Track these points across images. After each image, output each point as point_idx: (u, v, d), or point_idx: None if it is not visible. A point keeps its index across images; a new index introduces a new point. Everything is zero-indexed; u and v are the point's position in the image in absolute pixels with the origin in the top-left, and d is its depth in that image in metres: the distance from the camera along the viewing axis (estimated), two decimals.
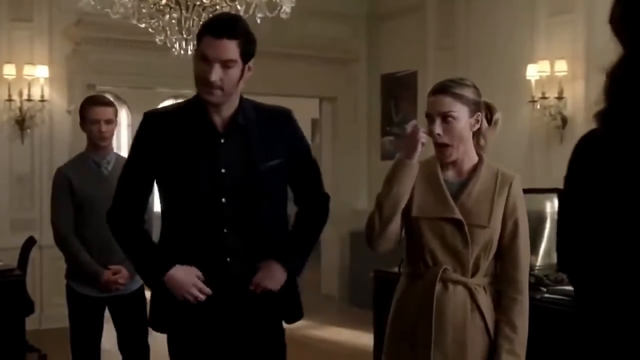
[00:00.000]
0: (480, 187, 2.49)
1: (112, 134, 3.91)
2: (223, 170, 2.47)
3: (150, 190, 2.60)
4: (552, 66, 6.22)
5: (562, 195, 1.59)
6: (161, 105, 12.40)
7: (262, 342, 2.58)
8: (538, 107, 6.33)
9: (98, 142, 3.87)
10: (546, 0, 6.42)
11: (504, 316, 2.47)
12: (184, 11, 3.90)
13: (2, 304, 4.11)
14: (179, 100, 10.28)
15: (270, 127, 2.55)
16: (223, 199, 2.46)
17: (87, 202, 3.81)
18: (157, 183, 2.56)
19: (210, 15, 4.09)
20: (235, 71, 2.41)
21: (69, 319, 3.90)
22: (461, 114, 2.46)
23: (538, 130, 6.46)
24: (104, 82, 8.03)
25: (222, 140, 2.48)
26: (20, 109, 6.71)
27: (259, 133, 2.51)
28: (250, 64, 2.45)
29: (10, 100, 6.69)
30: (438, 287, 2.43)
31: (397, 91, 8.25)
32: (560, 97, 6.21)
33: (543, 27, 6.43)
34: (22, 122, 6.70)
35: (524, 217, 2.53)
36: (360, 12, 8.48)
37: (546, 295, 3.87)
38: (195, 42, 4.09)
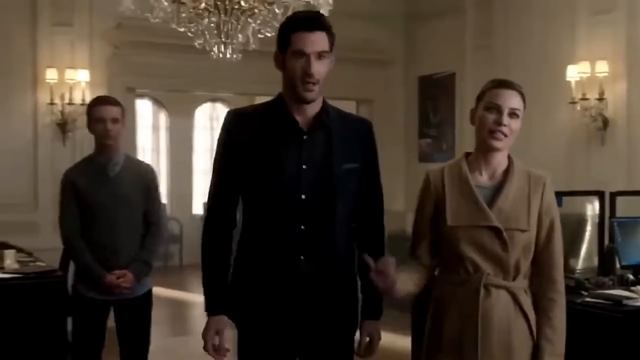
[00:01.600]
0: (515, 190, 2.47)
1: (119, 134, 3.86)
2: (304, 167, 2.48)
3: (240, 191, 2.60)
4: (592, 67, 6.14)
5: None
6: (199, 108, 12.54)
7: (332, 348, 2.60)
8: (578, 108, 6.25)
9: (104, 141, 3.83)
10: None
11: (544, 317, 2.46)
12: (222, 15, 3.92)
13: (44, 305, 4.16)
14: (217, 104, 10.40)
15: (351, 132, 2.58)
16: (303, 195, 2.48)
17: (92, 205, 3.81)
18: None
19: (251, 19, 4.13)
20: (327, 62, 2.47)
21: (73, 322, 3.90)
22: (521, 116, 2.49)
23: (578, 131, 6.38)
24: (143, 85, 8.13)
25: (305, 137, 2.50)
26: (62, 112, 6.80)
27: (342, 133, 2.54)
28: (333, 56, 2.51)
29: (52, 103, 6.79)
30: (482, 293, 2.42)
31: (434, 93, 8.22)
32: (601, 98, 6.12)
33: (583, 27, 6.35)
34: (63, 125, 6.80)
35: (558, 217, 2.52)
36: (397, 14, 8.46)
37: (587, 299, 3.83)
38: (232, 47, 4.14)
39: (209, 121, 12.87)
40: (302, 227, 2.49)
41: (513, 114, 2.45)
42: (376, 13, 8.27)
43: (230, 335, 2.59)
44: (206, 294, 2.60)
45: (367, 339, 2.65)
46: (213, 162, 2.63)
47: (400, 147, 8.57)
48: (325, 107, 2.55)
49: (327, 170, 2.50)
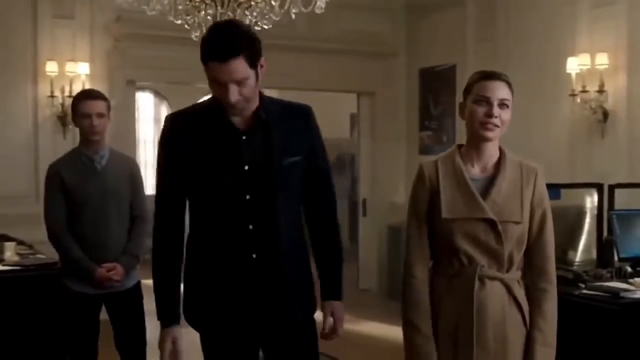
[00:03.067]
0: (508, 182, 2.48)
1: (104, 128, 3.85)
2: (246, 168, 2.48)
3: (185, 194, 2.58)
4: (593, 59, 6.11)
5: None
6: (200, 100, 12.52)
7: (294, 334, 2.62)
8: (579, 100, 6.23)
9: (90, 136, 3.82)
10: None
11: (536, 308, 2.49)
12: (219, 7, 3.92)
13: (43, 297, 4.17)
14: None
15: (292, 122, 2.57)
16: (247, 196, 2.49)
17: (80, 198, 3.80)
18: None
19: (248, 12, 4.11)
20: (250, 82, 2.41)
21: (64, 318, 3.88)
22: (511, 105, 2.50)
23: (579, 124, 6.36)
24: (144, 78, 8.12)
25: (244, 138, 2.49)
26: (62, 105, 6.80)
27: (281, 128, 2.53)
28: (262, 61, 2.44)
29: (52, 96, 6.79)
30: (476, 285, 2.43)
31: (435, 85, 8.20)
32: (601, 91, 6.10)
33: (584, 20, 6.32)
34: (64, 118, 6.79)
35: (549, 208, 2.55)
36: (399, 6, 8.43)
37: (584, 291, 3.83)
38: None
39: None
40: (250, 226, 2.50)
41: (503, 104, 2.46)
42: (378, 5, 8.25)
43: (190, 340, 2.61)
44: (159, 304, 2.57)
45: (331, 319, 2.67)
46: (156, 168, 2.60)
47: (402, 139, 8.56)
48: (262, 102, 2.52)
49: (270, 168, 2.49)
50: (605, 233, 4.46)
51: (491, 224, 2.43)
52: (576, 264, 4.38)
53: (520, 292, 2.49)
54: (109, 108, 3.91)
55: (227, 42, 2.36)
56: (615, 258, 4.20)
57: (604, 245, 4.38)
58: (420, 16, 8.31)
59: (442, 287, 2.51)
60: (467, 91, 2.53)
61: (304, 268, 2.65)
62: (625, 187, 4.63)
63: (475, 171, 2.51)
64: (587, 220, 4.57)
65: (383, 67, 8.45)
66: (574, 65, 6.22)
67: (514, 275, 2.49)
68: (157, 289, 2.58)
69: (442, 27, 7.96)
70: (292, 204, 2.59)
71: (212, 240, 2.53)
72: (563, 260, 4.36)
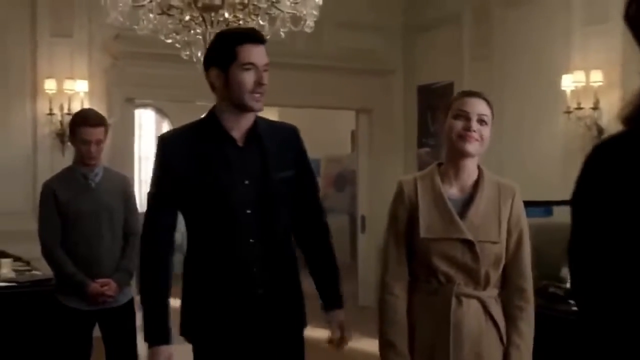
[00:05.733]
0: (485, 202, 2.50)
1: (101, 152, 3.92)
2: (246, 182, 2.53)
3: (176, 213, 2.62)
4: (587, 76, 6.15)
5: (578, 205, 1.34)
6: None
7: (284, 349, 2.65)
8: (573, 117, 6.26)
9: (86, 161, 3.88)
10: (582, 10, 6.35)
11: (513, 325, 2.50)
12: (209, 27, 3.96)
13: (38, 314, 4.19)
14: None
15: (281, 139, 2.64)
16: (248, 210, 2.53)
17: (74, 215, 3.83)
18: (180, 203, 2.60)
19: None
20: (268, 75, 2.53)
21: (57, 334, 3.89)
22: (490, 123, 2.52)
23: (573, 141, 6.38)
24: (143, 96, 8.16)
25: (242, 152, 2.54)
26: (61, 122, 6.83)
27: (273, 143, 2.59)
28: None
29: (51, 114, 6.84)
30: (453, 303, 2.44)
31: (433, 102, 8.24)
32: (595, 108, 6.13)
33: (578, 37, 6.36)
34: (62, 136, 6.82)
35: (526, 228, 2.57)
36: (396, 24, 8.48)
37: (575, 308, 3.83)
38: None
39: None
40: (251, 240, 2.53)
41: (482, 120, 2.48)
42: (375, 24, 8.30)
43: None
44: (149, 323, 2.57)
45: (339, 330, 2.70)
46: (149, 187, 2.63)
47: (400, 156, 8.58)
48: (255, 119, 2.60)
49: (266, 182, 2.54)
50: None
51: (468, 244, 2.45)
52: (569, 281, 4.38)
53: (496, 310, 2.51)
54: (107, 131, 3.96)
55: (256, 31, 2.61)
56: None
57: None
58: (417, 34, 8.36)
59: (419, 305, 2.52)
60: (447, 109, 2.55)
61: (296, 282, 2.69)
62: None
63: (453, 190, 2.53)
64: None
65: (381, 84, 8.49)
66: (569, 82, 6.25)
67: (491, 293, 2.51)
68: (148, 308, 2.59)
69: (439, 45, 8.01)
70: (286, 219, 2.64)
71: (213, 256, 2.56)
72: (556, 277, 4.36)
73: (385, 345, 2.52)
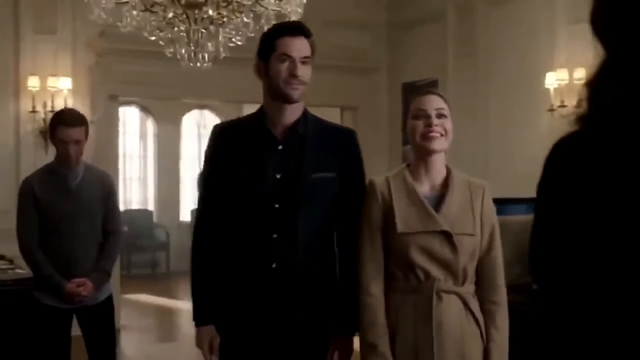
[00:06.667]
0: (457, 198, 2.52)
1: (81, 153, 3.86)
2: (278, 176, 2.55)
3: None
4: (571, 74, 6.18)
5: (540, 201, 1.46)
6: (186, 115, 12.55)
7: (303, 352, 2.63)
8: (557, 115, 6.29)
9: (65, 161, 3.84)
10: (566, 8, 6.38)
11: (490, 321, 2.53)
12: (192, 24, 3.95)
13: (21, 312, 4.16)
14: (205, 112, 10.36)
15: (329, 141, 2.64)
16: (276, 205, 2.54)
17: (52, 215, 3.81)
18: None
19: (221, 28, 4.17)
20: (309, 68, 2.58)
21: (35, 332, 3.87)
22: (449, 116, 2.55)
23: (557, 139, 6.41)
24: (127, 93, 8.13)
25: (280, 147, 2.58)
26: (44, 120, 6.78)
27: (318, 143, 2.60)
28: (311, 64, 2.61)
29: (34, 111, 6.80)
30: (434, 300, 2.45)
31: None
32: (579, 106, 6.14)
33: (563, 35, 6.39)
34: (45, 133, 6.75)
35: (497, 223, 2.59)
36: (381, 21, 8.50)
37: None
38: (203, 55, 4.16)
39: (196, 128, 12.88)
40: (275, 235, 2.54)
41: (440, 114, 2.52)
42: (360, 21, 8.31)
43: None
44: (196, 304, 2.67)
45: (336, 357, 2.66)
46: (201, 176, 2.72)
47: (384, 153, 8.59)
48: (304, 116, 2.63)
49: (300, 180, 2.55)
50: None
51: (446, 236, 2.46)
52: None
53: (475, 305, 2.52)
54: (87, 132, 3.91)
55: (298, 24, 2.69)
56: None
57: None
58: (401, 32, 8.38)
59: (397, 304, 2.50)
60: (406, 112, 2.60)
61: (328, 285, 2.64)
62: None
63: (424, 189, 2.55)
64: None
65: (366, 82, 8.51)
66: (552, 80, 6.29)
67: (469, 289, 2.52)
68: (195, 290, 2.68)
69: (424, 43, 8.03)
70: (322, 222, 2.61)
71: (236, 246, 2.60)
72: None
73: (367, 348, 2.49)
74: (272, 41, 2.57)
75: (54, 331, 3.86)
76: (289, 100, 2.56)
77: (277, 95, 2.56)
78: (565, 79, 6.20)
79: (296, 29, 2.60)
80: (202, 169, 2.73)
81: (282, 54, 2.53)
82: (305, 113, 2.64)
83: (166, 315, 8.85)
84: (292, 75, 2.52)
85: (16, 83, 6.88)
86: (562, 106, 6.24)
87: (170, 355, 6.78)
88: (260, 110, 2.64)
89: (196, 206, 2.81)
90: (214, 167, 2.65)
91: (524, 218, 4.48)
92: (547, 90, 6.33)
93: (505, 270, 4.34)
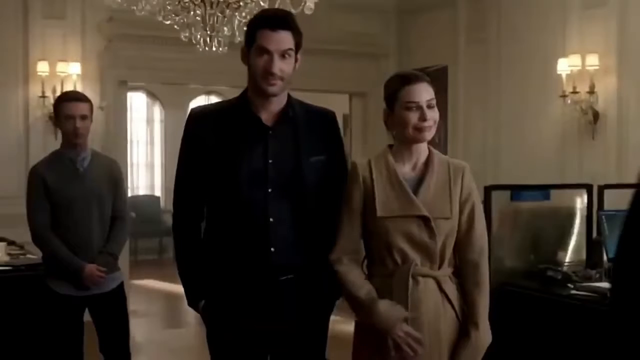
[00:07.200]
0: (436, 180, 2.54)
1: (88, 131, 3.84)
2: (270, 161, 2.53)
3: (205, 187, 2.62)
4: (583, 60, 6.14)
5: (629, 222, 1.42)
6: (193, 101, 12.52)
7: (303, 333, 2.61)
8: (569, 101, 6.26)
9: (73, 139, 3.81)
10: None
11: (470, 301, 2.55)
12: (208, 8, 3.92)
13: (33, 298, 4.16)
14: (211, 97, 10.34)
15: (316, 124, 2.64)
16: (270, 189, 2.52)
17: (63, 201, 3.80)
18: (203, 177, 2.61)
19: (237, 12, 4.13)
20: (291, 61, 2.52)
21: (48, 320, 3.86)
22: (434, 103, 2.55)
23: (569, 125, 6.39)
24: (136, 79, 8.10)
25: (270, 132, 2.55)
26: (54, 105, 6.78)
27: (307, 127, 2.60)
28: (299, 56, 2.56)
29: (43, 96, 6.78)
30: (410, 283, 2.47)
31: None
32: (591, 92, 6.13)
33: (575, 21, 6.35)
34: (54, 119, 6.78)
35: (479, 203, 2.61)
36: (390, 7, 8.45)
37: (573, 291, 3.85)
38: (219, 39, 4.13)
39: None
40: (271, 219, 2.52)
41: (430, 105, 2.52)
42: (369, 6, 8.25)
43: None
44: (187, 290, 2.64)
45: None
46: (177, 160, 2.65)
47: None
48: (290, 102, 2.61)
49: (293, 164, 2.54)
50: (594, 234, 4.47)
51: (424, 220, 2.49)
52: (566, 264, 4.39)
53: (451, 289, 2.55)
54: (91, 110, 3.90)
55: (280, 15, 2.57)
56: (605, 258, 4.21)
57: (593, 246, 4.39)
58: (411, 17, 8.33)
59: (377, 289, 2.52)
60: (391, 99, 2.56)
61: (324, 273, 2.61)
62: (614, 188, 4.64)
63: (406, 169, 2.57)
64: (577, 221, 4.58)
65: (375, 67, 8.45)
66: (565, 66, 6.24)
67: (446, 272, 2.55)
68: (184, 277, 2.66)
69: (434, 28, 7.97)
70: (319, 205, 2.59)
71: (231, 233, 2.55)
72: (553, 260, 4.37)
73: (351, 299, 2.53)
74: (254, 32, 2.52)
75: (66, 320, 3.86)
76: (266, 95, 2.53)
77: (255, 88, 2.54)
78: (577, 65, 6.16)
79: (277, 21, 2.51)
80: (180, 154, 2.65)
81: (260, 47, 2.49)
82: (290, 98, 2.62)
83: (173, 301, 8.84)
84: (267, 72, 2.48)
85: (25, 68, 6.85)
86: (575, 92, 6.19)
87: (177, 341, 6.80)
88: (244, 95, 2.60)
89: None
90: (193, 152, 2.58)
91: (536, 205, 4.47)
92: (559, 76, 6.28)
93: (518, 256, 4.38)
